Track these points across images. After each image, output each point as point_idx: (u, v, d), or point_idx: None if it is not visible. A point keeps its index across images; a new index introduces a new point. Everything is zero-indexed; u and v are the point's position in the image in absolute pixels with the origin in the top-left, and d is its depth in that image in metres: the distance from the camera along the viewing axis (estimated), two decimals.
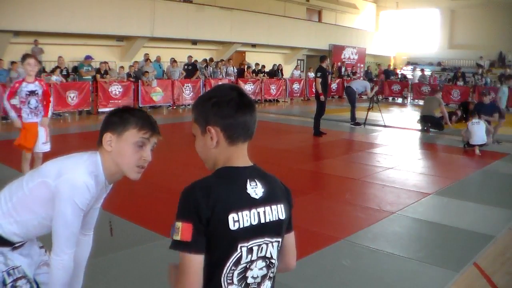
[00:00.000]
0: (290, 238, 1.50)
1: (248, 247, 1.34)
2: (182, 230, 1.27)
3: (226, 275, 1.33)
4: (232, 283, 1.34)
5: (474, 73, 20.37)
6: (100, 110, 12.66)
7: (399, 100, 21.11)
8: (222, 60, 17.71)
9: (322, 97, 10.02)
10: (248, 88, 16.84)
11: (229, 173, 1.37)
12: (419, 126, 11.77)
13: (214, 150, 1.38)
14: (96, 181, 1.78)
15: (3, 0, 12.36)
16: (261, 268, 1.38)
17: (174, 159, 7.16)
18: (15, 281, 1.82)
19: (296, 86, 19.34)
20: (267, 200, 1.38)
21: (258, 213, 1.35)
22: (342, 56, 24.88)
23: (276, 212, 1.40)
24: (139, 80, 13.76)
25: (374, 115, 12.56)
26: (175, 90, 14.65)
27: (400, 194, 5.88)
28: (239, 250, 1.33)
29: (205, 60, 16.79)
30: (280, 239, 1.42)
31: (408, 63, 28.92)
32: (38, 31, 13.35)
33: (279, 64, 19.94)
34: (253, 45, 20.55)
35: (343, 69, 22.49)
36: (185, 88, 15.04)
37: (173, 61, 15.54)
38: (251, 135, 1.42)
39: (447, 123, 11.27)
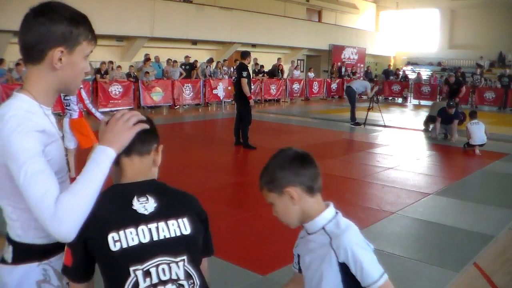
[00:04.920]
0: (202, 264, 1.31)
1: (144, 269, 1.16)
2: (66, 254, 1.18)
3: None
4: None
5: (472, 73, 20.36)
6: (100, 110, 12.63)
7: (399, 100, 21.12)
8: (219, 61, 17.76)
9: (252, 101, 8.52)
10: None
11: (112, 191, 1.26)
12: (421, 127, 11.76)
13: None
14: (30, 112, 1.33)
15: (3, 0, 12.35)
16: None
17: (174, 160, 7.15)
18: None
19: (296, 86, 19.34)
20: (160, 214, 1.21)
21: (150, 229, 1.19)
22: (342, 56, 24.91)
23: (175, 227, 1.22)
24: (139, 80, 13.77)
25: (374, 115, 12.56)
26: (175, 90, 14.66)
27: (400, 194, 5.87)
28: (132, 274, 1.15)
29: (211, 59, 16.92)
30: (186, 257, 1.21)
31: (408, 63, 28.93)
32: None
33: (280, 64, 19.94)
34: (253, 45, 20.54)
35: (343, 69, 22.50)
36: (185, 88, 15.05)
37: (172, 61, 15.53)
38: (137, 149, 1.28)
39: None
